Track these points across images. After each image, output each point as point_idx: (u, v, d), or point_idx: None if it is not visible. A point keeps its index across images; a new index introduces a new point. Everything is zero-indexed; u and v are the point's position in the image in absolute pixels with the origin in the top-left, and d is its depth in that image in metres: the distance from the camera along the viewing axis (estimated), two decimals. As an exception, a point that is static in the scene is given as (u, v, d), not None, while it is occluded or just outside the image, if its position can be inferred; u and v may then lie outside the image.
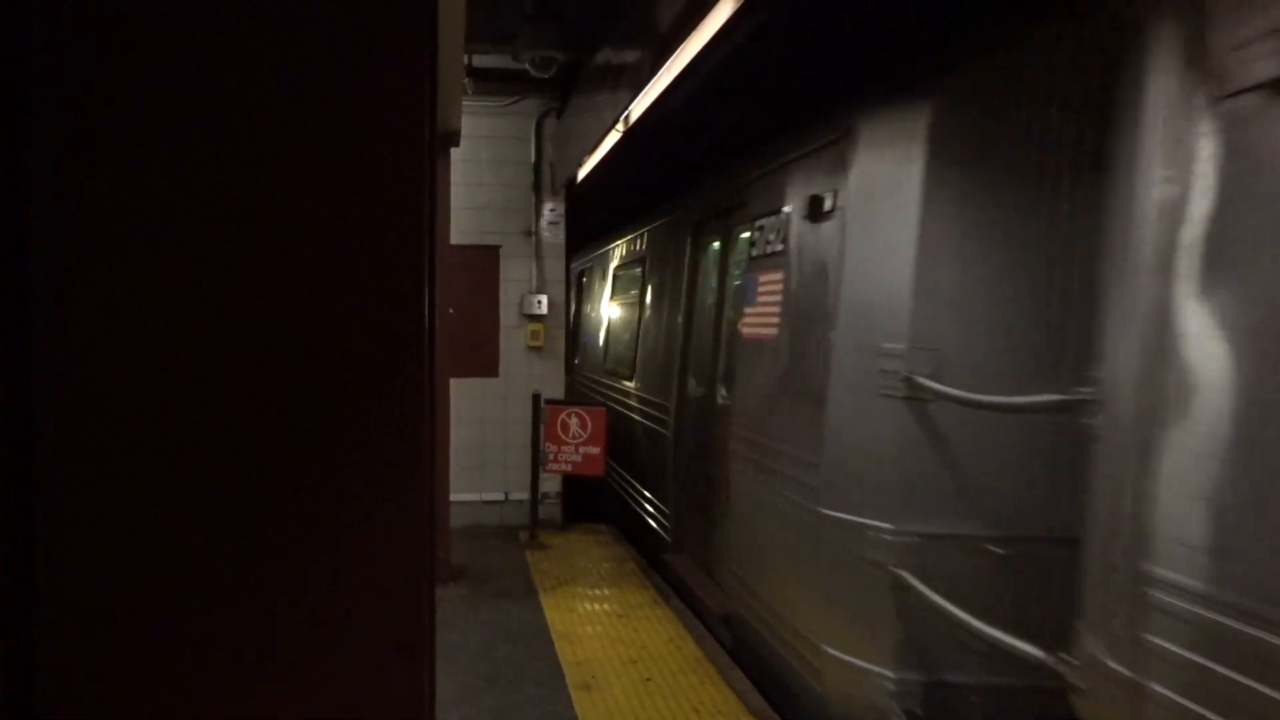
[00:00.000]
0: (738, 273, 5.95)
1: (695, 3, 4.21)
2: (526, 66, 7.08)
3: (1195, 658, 2.19)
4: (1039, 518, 3.62)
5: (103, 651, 0.98)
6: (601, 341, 10.56)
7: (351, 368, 1.02)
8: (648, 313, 8.36)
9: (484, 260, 8.64)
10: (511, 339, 8.74)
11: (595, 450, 7.96)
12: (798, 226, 4.81)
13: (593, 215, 11.14)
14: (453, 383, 7.42)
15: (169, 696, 1.00)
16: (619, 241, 10.20)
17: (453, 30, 4.58)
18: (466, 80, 7.15)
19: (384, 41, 1.01)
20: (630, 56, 5.70)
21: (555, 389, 8.67)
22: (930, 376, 3.72)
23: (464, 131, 7.12)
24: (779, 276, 4.99)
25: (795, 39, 5.61)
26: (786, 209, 5.02)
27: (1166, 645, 2.28)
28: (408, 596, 1.06)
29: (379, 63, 1.01)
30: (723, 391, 6.06)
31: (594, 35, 6.86)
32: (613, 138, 6.84)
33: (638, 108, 6.04)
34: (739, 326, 5.65)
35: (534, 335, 8.71)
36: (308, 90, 1.00)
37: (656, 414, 7.65)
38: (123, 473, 0.98)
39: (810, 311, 4.54)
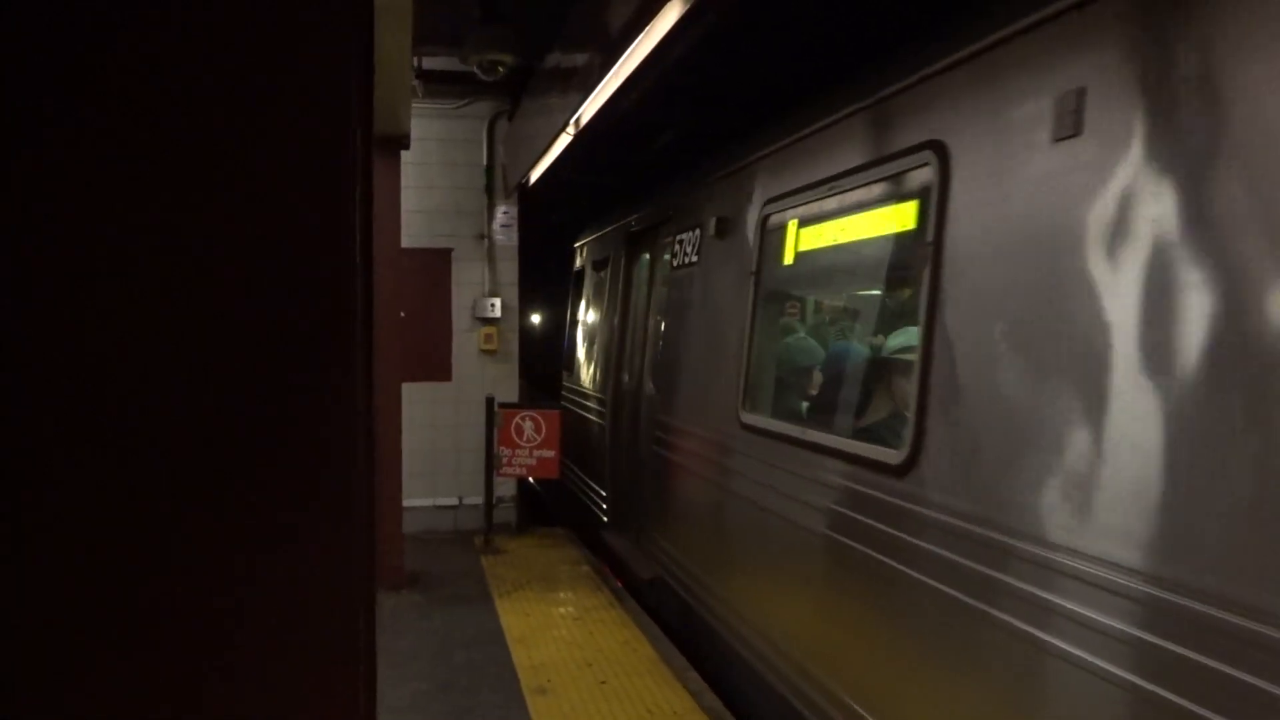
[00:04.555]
0: None
1: (643, 7, 4.21)
2: (475, 70, 7.03)
3: None
4: None
5: (24, 663, 0.95)
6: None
7: (284, 373, 1.00)
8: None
9: (435, 264, 8.57)
10: (464, 343, 8.68)
11: (550, 454, 7.93)
12: None
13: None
14: (405, 387, 7.35)
15: (93, 712, 0.97)
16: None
17: (400, 31, 4.54)
18: (416, 82, 7.08)
19: (307, 25, 0.97)
20: (580, 59, 5.68)
21: (509, 393, 8.63)
22: None
23: (414, 134, 7.05)
24: None
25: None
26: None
27: None
28: (345, 609, 1.04)
29: (301, 48, 0.97)
30: None
31: (543, 39, 6.83)
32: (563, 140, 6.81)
33: (589, 109, 6.02)
34: None
35: (487, 339, 8.66)
36: (222, 78, 0.95)
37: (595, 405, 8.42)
38: (45, 478, 0.94)
39: None
